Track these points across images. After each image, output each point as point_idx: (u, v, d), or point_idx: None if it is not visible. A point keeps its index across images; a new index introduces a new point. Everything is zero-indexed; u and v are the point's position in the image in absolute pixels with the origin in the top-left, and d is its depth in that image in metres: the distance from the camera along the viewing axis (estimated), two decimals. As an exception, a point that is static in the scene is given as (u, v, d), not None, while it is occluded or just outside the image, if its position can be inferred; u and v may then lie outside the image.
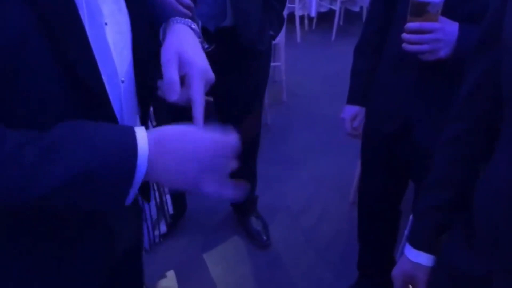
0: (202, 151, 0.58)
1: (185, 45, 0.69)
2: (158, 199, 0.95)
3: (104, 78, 0.60)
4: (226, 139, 0.60)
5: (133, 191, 0.56)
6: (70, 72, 0.55)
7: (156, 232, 1.44)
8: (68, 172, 0.51)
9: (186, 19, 0.76)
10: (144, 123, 0.78)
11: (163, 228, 0.98)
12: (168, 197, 1.23)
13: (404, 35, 1.02)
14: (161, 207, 1.19)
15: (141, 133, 0.56)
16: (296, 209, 2.21)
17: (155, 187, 1.38)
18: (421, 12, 0.97)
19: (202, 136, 0.59)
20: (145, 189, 0.82)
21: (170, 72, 0.65)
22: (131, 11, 0.68)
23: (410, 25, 1.00)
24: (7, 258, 0.63)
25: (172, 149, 0.57)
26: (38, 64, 0.52)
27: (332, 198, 2.28)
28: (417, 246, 0.82)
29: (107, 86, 0.61)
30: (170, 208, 1.79)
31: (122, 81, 0.66)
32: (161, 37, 0.74)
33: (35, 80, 0.53)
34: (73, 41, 0.55)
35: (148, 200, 0.87)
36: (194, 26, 0.76)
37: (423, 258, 0.81)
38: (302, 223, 2.13)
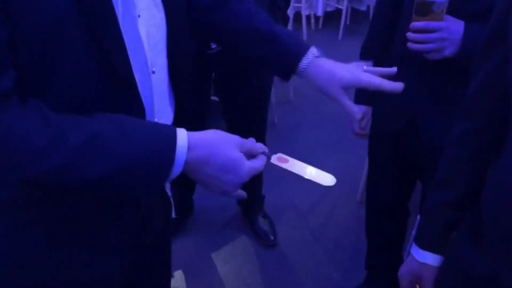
0: (237, 175, 0.64)
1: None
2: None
3: (134, 67, 0.62)
4: (259, 168, 0.67)
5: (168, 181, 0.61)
6: (103, 59, 0.58)
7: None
8: (108, 166, 0.56)
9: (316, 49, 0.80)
10: (178, 115, 0.81)
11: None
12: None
13: (409, 34, 1.02)
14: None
15: (181, 133, 0.61)
16: (304, 208, 2.21)
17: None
18: (426, 11, 0.97)
19: (241, 161, 0.65)
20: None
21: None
22: (167, 6, 0.70)
23: (415, 24, 1.00)
24: (37, 229, 0.66)
25: (210, 156, 0.63)
26: (75, 50, 0.55)
27: (339, 197, 2.28)
28: (424, 246, 0.82)
29: (136, 76, 0.63)
30: (173, 213, 1.80)
31: (153, 72, 0.68)
32: (302, 67, 0.78)
33: (68, 61, 0.55)
34: (107, 31, 0.57)
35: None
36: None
37: (430, 258, 0.81)
38: (309, 222, 2.13)
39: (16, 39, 0.51)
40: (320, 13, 4.45)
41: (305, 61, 0.78)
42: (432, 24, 0.98)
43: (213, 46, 1.47)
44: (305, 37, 4.26)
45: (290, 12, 2.91)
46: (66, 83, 0.56)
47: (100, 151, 0.55)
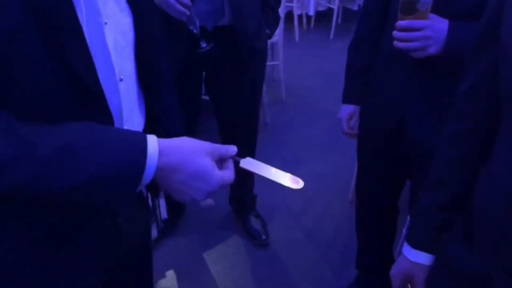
0: (207, 183, 0.64)
1: None
2: (150, 203, 0.96)
3: (101, 75, 0.61)
4: (229, 180, 0.67)
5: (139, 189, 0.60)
6: (66, 67, 0.56)
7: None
8: (79, 176, 0.54)
9: None
10: (151, 122, 0.80)
11: (154, 233, 0.99)
12: (162, 201, 1.24)
13: (395, 33, 1.03)
14: (153, 211, 1.20)
15: (152, 139, 0.60)
16: (296, 208, 2.21)
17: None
18: (411, 10, 0.98)
19: (212, 169, 0.65)
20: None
21: None
22: (134, 12, 0.70)
23: (401, 23, 1.01)
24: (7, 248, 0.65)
25: (181, 163, 0.62)
26: (36, 60, 0.54)
27: (332, 197, 2.28)
28: (416, 245, 0.82)
29: (103, 84, 0.62)
30: (164, 213, 1.79)
31: (121, 79, 0.67)
32: None
33: (29, 71, 0.54)
34: (69, 38, 0.56)
35: (157, 196, 0.92)
36: None
37: (422, 258, 0.82)
38: (302, 222, 2.13)
39: None
40: (311, 12, 4.47)
41: None
42: (416, 22, 0.99)
43: (203, 45, 1.47)
44: (297, 36, 4.28)
45: (282, 11, 2.91)
46: (30, 94, 0.55)
47: (71, 160, 0.54)
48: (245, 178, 1.99)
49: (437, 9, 1.00)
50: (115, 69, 0.66)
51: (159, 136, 0.63)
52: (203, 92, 1.88)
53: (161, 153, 0.60)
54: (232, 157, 0.70)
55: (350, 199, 2.24)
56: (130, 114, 0.72)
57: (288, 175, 0.72)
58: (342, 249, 1.96)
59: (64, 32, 0.55)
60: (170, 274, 1.82)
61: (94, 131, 0.58)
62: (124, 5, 0.68)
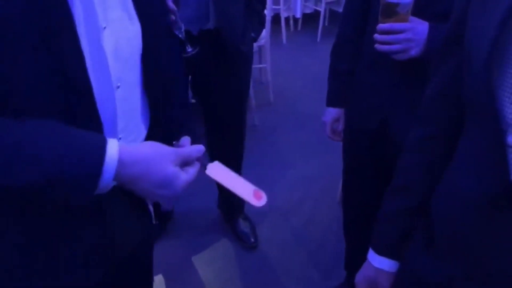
0: (171, 189, 0.64)
1: None
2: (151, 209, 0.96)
3: (95, 81, 0.61)
4: (191, 179, 0.67)
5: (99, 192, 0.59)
6: (58, 68, 0.56)
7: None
8: (32, 174, 0.54)
9: None
10: (154, 131, 0.79)
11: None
12: (149, 206, 1.24)
13: (376, 36, 1.04)
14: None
15: (112, 145, 0.59)
16: (285, 209, 2.22)
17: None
18: (391, 13, 0.99)
19: (176, 176, 0.64)
20: None
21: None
22: (142, 19, 0.69)
23: (381, 26, 1.02)
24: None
25: (144, 174, 0.62)
26: (30, 60, 0.54)
27: (320, 198, 2.29)
28: (380, 251, 0.81)
29: (97, 89, 0.61)
30: (152, 219, 1.77)
31: (118, 87, 0.66)
32: None
33: (26, 74, 0.54)
34: (64, 42, 0.56)
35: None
36: None
37: (386, 264, 0.80)
38: (290, 223, 2.14)
39: None
40: (298, 15, 4.49)
41: None
42: (397, 25, 1.00)
43: (189, 49, 1.47)
44: (284, 38, 4.29)
45: (269, 14, 2.92)
46: (19, 92, 0.55)
47: (24, 158, 0.54)
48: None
49: (417, 11, 1.01)
50: (111, 75, 0.64)
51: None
52: (190, 95, 1.88)
53: (123, 163, 0.59)
54: (200, 160, 0.69)
55: (338, 200, 2.25)
56: (128, 122, 0.71)
57: (253, 189, 0.70)
58: (331, 250, 1.97)
59: (58, 32, 0.55)
60: (159, 278, 1.81)
61: (54, 130, 0.57)
62: (132, 12, 0.67)
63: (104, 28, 0.62)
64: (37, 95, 0.56)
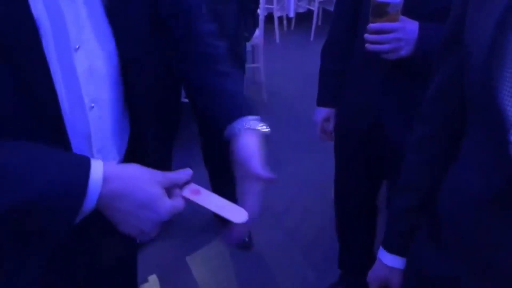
0: (155, 212, 0.59)
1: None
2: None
3: (65, 102, 0.59)
4: (180, 208, 0.62)
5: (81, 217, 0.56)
6: (26, 90, 0.54)
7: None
8: (13, 198, 0.51)
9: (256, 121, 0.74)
10: (136, 147, 0.76)
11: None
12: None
13: (367, 36, 1.04)
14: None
15: (96, 165, 0.56)
16: (278, 209, 2.22)
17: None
18: (381, 13, 1.00)
19: (161, 197, 0.60)
20: None
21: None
22: (117, 38, 0.66)
23: (372, 25, 1.02)
24: None
25: (126, 191, 0.57)
26: None
27: (314, 197, 2.30)
28: (391, 249, 0.83)
29: (69, 111, 0.60)
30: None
31: (92, 107, 0.64)
32: (229, 133, 0.73)
33: None
34: (30, 60, 0.54)
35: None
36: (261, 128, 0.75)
37: (397, 262, 0.82)
38: (284, 223, 2.14)
39: None
40: (292, 14, 4.50)
41: (231, 129, 0.73)
42: (387, 25, 1.00)
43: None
44: (277, 38, 4.30)
45: (262, 13, 2.93)
46: None
47: (5, 182, 0.51)
48: (226, 181, 1.99)
49: (408, 11, 1.01)
50: (83, 97, 0.63)
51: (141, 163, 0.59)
52: (183, 95, 1.88)
53: (105, 179, 0.55)
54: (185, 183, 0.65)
55: (331, 199, 2.25)
56: (105, 142, 0.69)
57: (233, 207, 0.66)
58: (325, 249, 1.97)
59: (25, 54, 0.53)
60: (153, 278, 1.81)
61: (35, 152, 0.54)
62: (106, 31, 0.65)
63: (77, 48, 0.60)
64: (2, 114, 0.54)
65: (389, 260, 0.82)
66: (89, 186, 0.54)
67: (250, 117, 0.73)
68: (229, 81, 0.78)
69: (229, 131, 0.73)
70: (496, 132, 0.58)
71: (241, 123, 0.72)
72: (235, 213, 0.65)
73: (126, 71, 0.68)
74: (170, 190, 0.63)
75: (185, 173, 0.65)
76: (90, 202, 0.55)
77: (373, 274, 0.86)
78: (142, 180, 0.59)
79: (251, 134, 0.72)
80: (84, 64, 0.61)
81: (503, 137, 0.57)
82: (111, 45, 0.65)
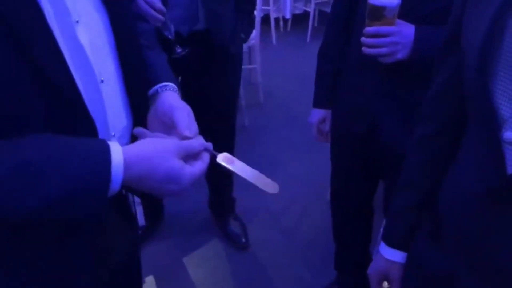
0: (178, 184, 0.62)
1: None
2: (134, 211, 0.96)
3: (78, 77, 0.59)
4: (200, 172, 0.65)
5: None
6: (36, 72, 0.53)
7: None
8: (41, 199, 0.52)
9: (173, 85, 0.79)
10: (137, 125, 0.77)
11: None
12: (139, 208, 1.23)
13: (363, 39, 1.05)
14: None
15: (116, 149, 0.57)
16: (275, 209, 2.23)
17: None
18: (378, 16, 1.00)
19: (182, 169, 0.62)
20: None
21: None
22: (110, 10, 0.67)
23: (368, 29, 1.03)
24: None
25: (149, 172, 0.60)
26: (3, 67, 0.51)
27: (311, 197, 2.30)
28: (391, 244, 0.84)
29: (82, 86, 0.59)
30: (141, 220, 1.77)
31: (102, 81, 0.64)
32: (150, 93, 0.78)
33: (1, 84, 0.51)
34: (38, 40, 0.53)
35: (138, 195, 0.91)
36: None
37: (397, 256, 0.83)
38: (281, 223, 2.15)
39: None
40: (288, 15, 4.50)
41: (152, 91, 0.78)
42: (384, 28, 1.01)
43: (178, 50, 1.48)
44: (274, 39, 4.30)
45: (258, 15, 2.93)
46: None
47: (32, 179, 0.51)
48: (223, 181, 2.00)
49: (404, 13, 1.02)
50: (94, 69, 0.63)
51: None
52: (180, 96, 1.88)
53: (127, 164, 0.57)
54: (208, 150, 0.68)
55: (328, 199, 2.25)
56: (116, 119, 0.69)
57: (265, 178, 0.71)
58: (321, 249, 1.98)
59: (32, 33, 0.52)
60: (150, 279, 1.81)
61: (54, 144, 0.55)
62: (99, 4, 0.65)
63: (77, 22, 0.59)
64: (16, 103, 0.53)
65: (389, 254, 0.84)
66: (112, 172, 0.56)
67: (170, 84, 0.79)
68: (152, 53, 0.83)
69: (150, 93, 0.78)
70: (490, 130, 0.59)
71: (161, 87, 0.78)
72: (268, 184, 0.70)
73: (120, 45, 0.69)
74: (189, 157, 0.65)
75: (197, 141, 0.68)
76: (114, 185, 0.57)
77: (374, 267, 0.88)
78: (160, 157, 0.61)
79: (171, 92, 0.78)
80: (86, 38, 0.61)
81: (496, 135, 0.58)
82: (104, 17, 0.66)
